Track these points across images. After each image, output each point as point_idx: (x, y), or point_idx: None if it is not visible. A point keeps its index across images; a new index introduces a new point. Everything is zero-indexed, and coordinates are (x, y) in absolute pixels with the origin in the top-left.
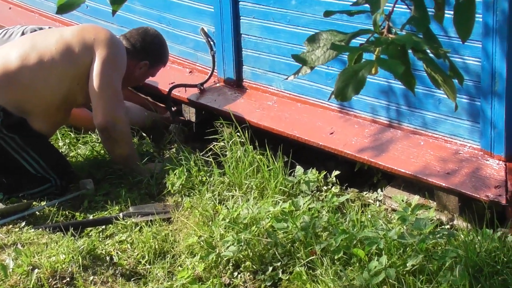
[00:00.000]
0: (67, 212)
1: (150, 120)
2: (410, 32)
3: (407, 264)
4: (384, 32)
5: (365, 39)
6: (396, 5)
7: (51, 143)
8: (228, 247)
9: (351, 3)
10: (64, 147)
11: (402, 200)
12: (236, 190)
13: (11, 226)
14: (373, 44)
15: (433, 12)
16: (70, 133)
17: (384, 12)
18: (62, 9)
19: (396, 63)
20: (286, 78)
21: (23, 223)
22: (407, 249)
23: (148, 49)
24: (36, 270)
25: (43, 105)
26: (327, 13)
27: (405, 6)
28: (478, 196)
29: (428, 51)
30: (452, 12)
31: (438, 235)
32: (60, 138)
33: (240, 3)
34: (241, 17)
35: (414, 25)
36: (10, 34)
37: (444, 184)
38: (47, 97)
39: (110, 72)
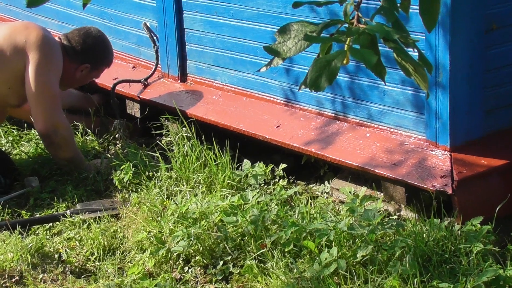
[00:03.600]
0: (12, 210)
1: (93, 101)
2: (379, 22)
3: (357, 255)
4: (354, 22)
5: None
6: None
7: None
8: (178, 242)
9: None
10: (7, 144)
11: (350, 192)
12: (184, 185)
13: None
14: (344, 34)
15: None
16: (13, 130)
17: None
18: (32, 3)
19: (369, 53)
20: (259, 70)
21: None
22: (357, 240)
23: (89, 52)
24: None
25: None
26: (296, 4)
27: None
28: (425, 186)
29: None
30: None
31: (387, 226)
32: (2, 136)
33: None
34: (184, 12)
35: (383, 15)
36: None
37: (390, 175)
38: None
39: (46, 77)
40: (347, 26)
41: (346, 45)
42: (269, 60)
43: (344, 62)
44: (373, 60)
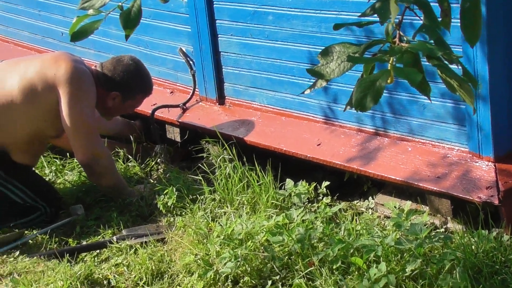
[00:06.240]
0: (59, 239)
1: (135, 128)
2: (422, 40)
3: (406, 270)
4: (396, 41)
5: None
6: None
7: (36, 172)
8: (225, 263)
9: (330, 15)
10: (51, 174)
11: (395, 207)
12: (228, 207)
13: (5, 256)
14: (387, 53)
15: (440, 19)
16: (56, 160)
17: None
18: (75, 37)
19: (414, 71)
20: (302, 92)
21: (17, 253)
22: (405, 254)
23: (117, 80)
24: None
25: (14, 141)
26: (337, 26)
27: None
28: (471, 198)
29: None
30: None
31: (435, 239)
32: (46, 166)
33: (217, 21)
34: (219, 35)
35: (425, 33)
36: None
37: (435, 188)
38: (16, 134)
39: (79, 109)
40: (389, 45)
41: (389, 65)
42: (307, 79)
43: (388, 81)
44: (418, 79)
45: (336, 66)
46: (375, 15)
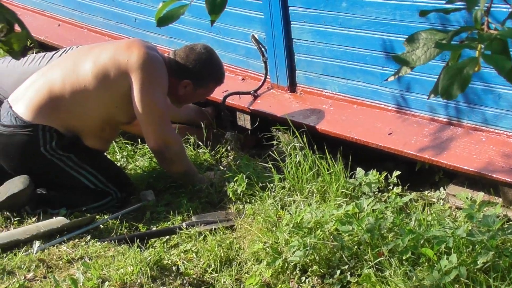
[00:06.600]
0: (130, 224)
1: (206, 115)
2: (511, 28)
3: (478, 262)
4: (484, 28)
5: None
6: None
7: (108, 157)
8: (294, 252)
9: (404, 2)
10: (122, 159)
11: (467, 198)
12: (297, 195)
13: (77, 240)
14: (475, 40)
15: None
16: (127, 145)
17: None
18: (161, 22)
19: (503, 59)
20: (386, 80)
21: (89, 237)
22: (476, 246)
23: (190, 68)
24: (106, 283)
25: (86, 127)
26: (423, 13)
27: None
28: None
29: None
30: None
31: (508, 231)
32: (117, 151)
33: (290, 8)
34: (291, 22)
35: None
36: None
37: (510, 180)
38: (88, 120)
39: (151, 96)
40: (477, 32)
41: (477, 52)
42: (379, 67)
43: (476, 69)
44: (508, 66)
45: (422, 53)
46: (461, 2)
